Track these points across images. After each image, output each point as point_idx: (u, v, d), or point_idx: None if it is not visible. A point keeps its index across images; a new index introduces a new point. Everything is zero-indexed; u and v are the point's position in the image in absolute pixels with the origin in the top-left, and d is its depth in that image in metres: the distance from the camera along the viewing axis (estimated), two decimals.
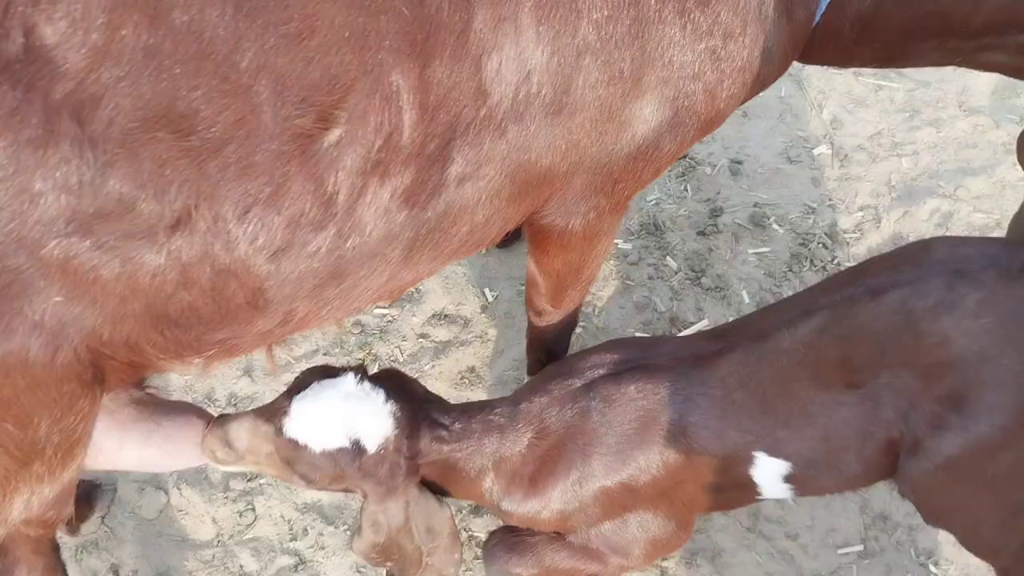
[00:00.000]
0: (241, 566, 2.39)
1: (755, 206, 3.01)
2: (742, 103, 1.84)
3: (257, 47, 1.31)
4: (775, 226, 2.96)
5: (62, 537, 2.35)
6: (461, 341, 2.75)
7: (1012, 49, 1.82)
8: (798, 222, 2.96)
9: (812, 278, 2.84)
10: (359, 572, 2.37)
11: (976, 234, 2.94)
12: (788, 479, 1.87)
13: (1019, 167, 3.06)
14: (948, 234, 2.90)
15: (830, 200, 3.02)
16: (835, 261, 2.87)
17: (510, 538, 2.07)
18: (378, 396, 1.78)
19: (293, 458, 1.72)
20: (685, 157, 3.12)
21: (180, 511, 2.46)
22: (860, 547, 2.40)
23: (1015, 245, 1.72)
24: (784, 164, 3.12)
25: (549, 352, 2.26)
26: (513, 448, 1.90)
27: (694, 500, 1.98)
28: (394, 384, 1.82)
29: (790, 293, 2.80)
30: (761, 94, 3.23)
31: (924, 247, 1.77)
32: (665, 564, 2.36)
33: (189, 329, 1.49)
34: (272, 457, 1.76)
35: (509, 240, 2.91)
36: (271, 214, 1.40)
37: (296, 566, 2.39)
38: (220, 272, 1.42)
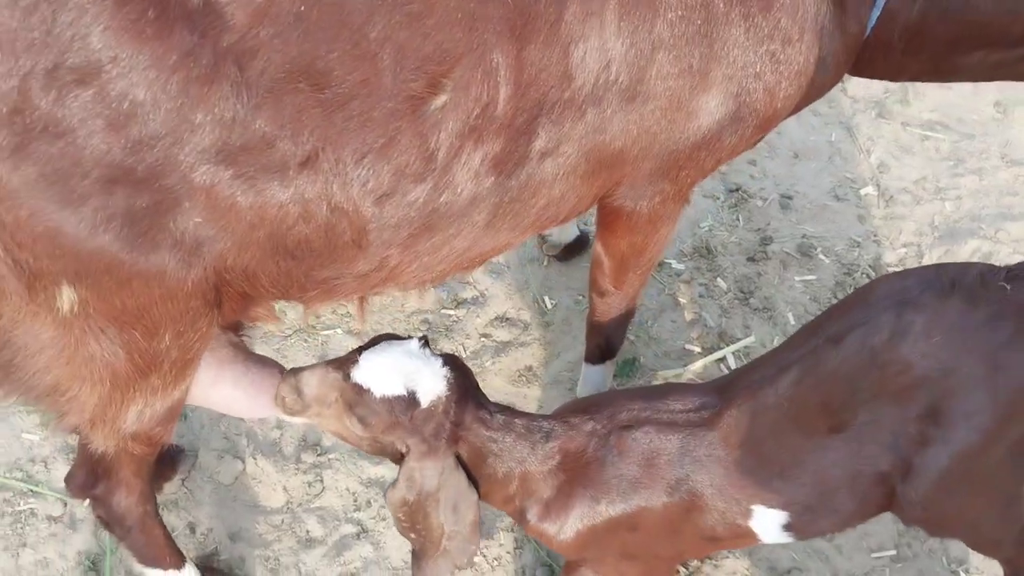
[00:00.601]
0: (308, 531, 2.56)
1: (803, 237, 3.19)
2: (798, 108, 2.04)
3: (385, 21, 1.55)
4: (821, 256, 3.13)
5: None
6: (520, 343, 2.94)
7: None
8: (843, 254, 3.13)
9: None
10: None
11: None
12: (787, 527, 2.00)
13: None
14: None
15: (875, 236, 3.19)
16: None
17: None
18: (437, 361, 1.96)
19: (355, 401, 1.90)
20: (738, 190, 3.32)
21: (254, 479, 2.65)
22: (893, 552, 2.52)
23: (943, 266, 1.88)
24: (832, 201, 3.30)
25: (607, 339, 2.44)
26: (540, 466, 2.04)
27: (692, 547, 2.13)
28: (453, 362, 1.99)
29: None
30: (812, 138, 3.44)
31: (868, 288, 1.93)
32: (704, 559, 2.50)
33: (301, 261, 1.70)
34: (335, 406, 1.93)
35: (571, 254, 3.11)
36: (381, 162, 1.62)
37: (359, 534, 2.55)
38: (334, 209, 1.64)
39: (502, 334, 2.96)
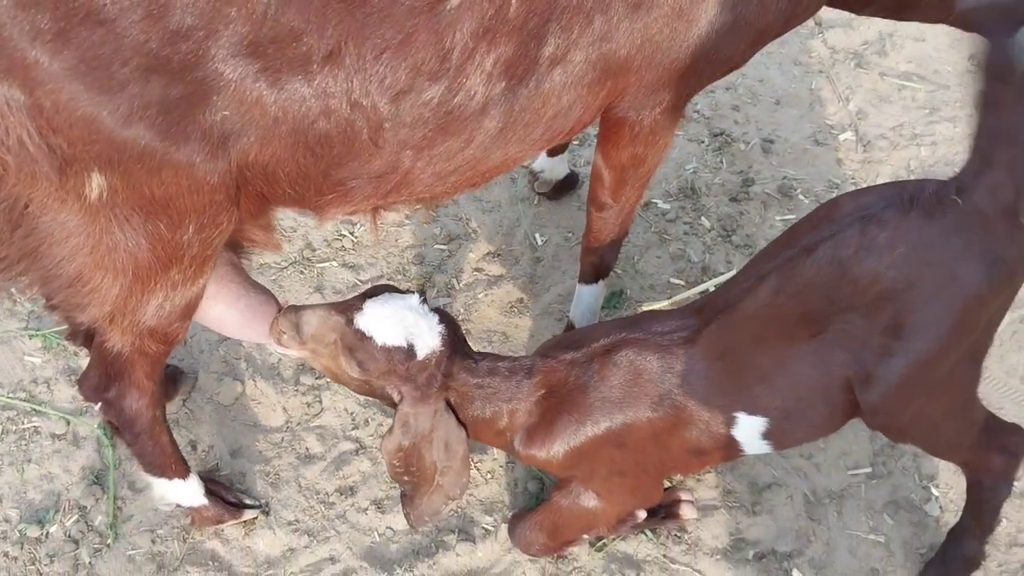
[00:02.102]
0: (307, 448, 2.64)
1: (784, 179, 3.30)
2: (788, 25, 2.14)
3: None
4: (801, 197, 3.24)
5: None
6: (512, 276, 3.03)
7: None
8: (822, 195, 3.24)
9: None
10: None
11: None
12: (766, 435, 2.12)
13: None
14: None
15: (853, 179, 3.30)
16: None
17: (523, 514, 2.42)
18: (434, 318, 2.10)
19: (357, 346, 2.02)
20: (722, 134, 3.42)
21: (253, 400, 2.73)
22: (869, 469, 2.64)
23: (901, 183, 2.00)
24: (812, 146, 3.41)
25: (601, 257, 2.53)
26: (526, 401, 2.18)
27: (679, 461, 2.24)
28: (446, 317, 2.13)
29: None
30: (793, 86, 3.54)
31: (833, 204, 2.04)
32: (689, 478, 2.60)
33: (320, 159, 1.78)
34: (333, 347, 2.05)
35: (561, 192, 3.20)
36: (399, 59, 1.70)
37: (357, 451, 2.64)
38: (354, 105, 1.72)
39: (494, 268, 3.05)
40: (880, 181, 3.30)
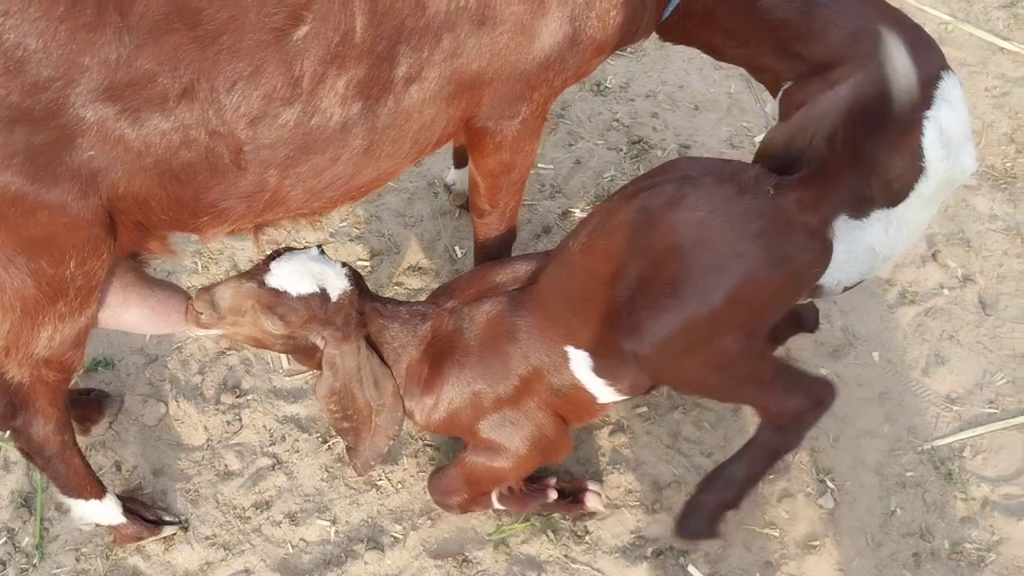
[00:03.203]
0: (226, 465, 2.75)
1: None
2: (627, 39, 2.25)
3: None
4: None
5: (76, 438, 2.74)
6: (431, 290, 3.12)
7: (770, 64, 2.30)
8: None
9: None
10: (328, 471, 2.73)
11: None
12: (597, 372, 2.25)
13: None
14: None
15: None
16: None
17: (440, 468, 2.56)
18: (337, 263, 2.28)
19: (274, 303, 2.17)
20: (640, 141, 3.51)
21: (176, 420, 2.84)
22: None
23: (730, 161, 2.13)
24: (727, 149, 3.49)
25: (491, 260, 2.63)
26: (417, 348, 2.35)
27: (549, 403, 2.36)
28: (348, 266, 2.30)
29: None
30: (712, 90, 3.62)
31: (671, 163, 2.21)
32: (592, 470, 2.70)
33: (188, 185, 1.91)
34: (252, 312, 2.19)
35: None
36: (251, 89, 1.83)
37: (273, 466, 2.75)
38: (212, 134, 1.85)
39: (414, 282, 3.15)
40: None
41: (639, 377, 2.24)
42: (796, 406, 2.20)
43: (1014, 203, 3.31)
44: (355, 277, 2.28)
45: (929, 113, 2.05)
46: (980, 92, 3.64)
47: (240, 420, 2.83)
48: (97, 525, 2.54)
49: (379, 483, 2.69)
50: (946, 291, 3.09)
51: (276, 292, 2.17)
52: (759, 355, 2.21)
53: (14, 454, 2.75)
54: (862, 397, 2.85)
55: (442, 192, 3.36)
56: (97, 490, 2.47)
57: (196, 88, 1.79)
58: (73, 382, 2.76)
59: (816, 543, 2.59)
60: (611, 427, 2.79)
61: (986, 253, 3.18)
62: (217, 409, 2.85)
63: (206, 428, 2.82)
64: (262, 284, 2.18)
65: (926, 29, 3.75)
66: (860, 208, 2.13)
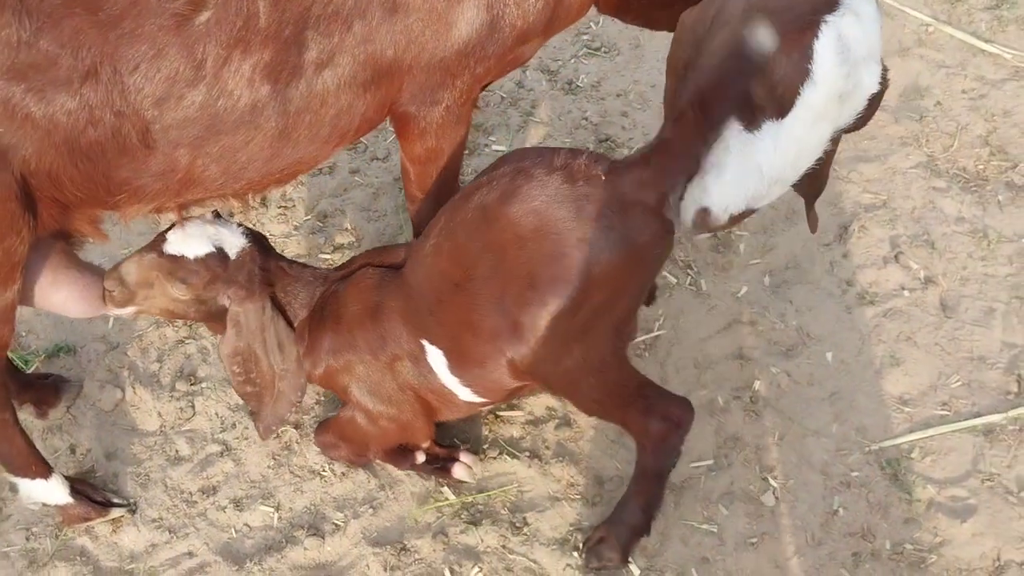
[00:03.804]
0: (177, 451, 2.80)
1: None
2: (552, 26, 2.25)
3: None
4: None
5: (33, 420, 2.80)
6: None
7: None
8: None
9: (703, 243, 3.19)
10: (275, 459, 2.77)
11: (865, 214, 3.27)
12: (453, 371, 2.29)
13: (912, 157, 3.41)
14: (835, 210, 3.23)
15: None
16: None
17: (323, 424, 2.67)
18: (232, 223, 2.35)
19: (174, 268, 2.24)
20: (607, 140, 3.52)
21: (132, 406, 2.89)
22: (711, 461, 2.72)
23: (559, 149, 2.17)
24: None
25: None
26: (308, 309, 2.44)
27: (413, 386, 2.41)
28: (250, 230, 2.37)
29: (682, 256, 3.16)
30: None
31: (503, 157, 2.23)
32: (535, 460, 2.71)
33: (97, 163, 1.97)
34: (158, 284, 2.25)
35: None
36: (153, 70, 1.89)
37: (222, 452, 2.79)
38: (117, 113, 1.91)
39: None
40: None
41: (497, 382, 2.27)
42: (656, 428, 2.29)
43: (983, 206, 3.28)
44: (256, 237, 2.36)
45: (830, 17, 1.92)
46: (957, 94, 3.61)
47: (193, 407, 2.88)
48: (44, 504, 2.59)
49: (323, 473, 2.73)
50: (906, 292, 3.07)
51: (175, 258, 2.25)
52: (625, 362, 2.25)
53: None
54: (812, 397, 2.84)
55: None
56: (42, 469, 2.52)
57: (99, 70, 1.86)
58: (34, 367, 2.85)
59: (755, 540, 2.58)
60: (558, 420, 2.81)
61: (950, 255, 3.15)
62: (172, 396, 2.90)
63: (160, 414, 2.87)
64: (161, 253, 2.26)
65: (906, 31, 3.75)
66: (751, 120, 1.99)
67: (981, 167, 3.39)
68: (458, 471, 2.63)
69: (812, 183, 2.30)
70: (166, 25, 1.87)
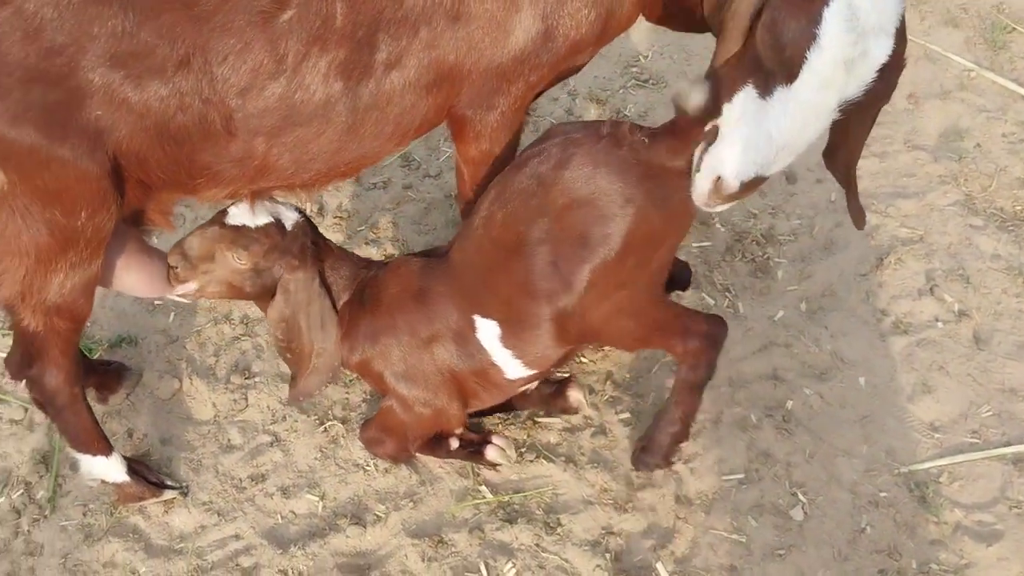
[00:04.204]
0: (229, 439, 2.93)
1: None
2: (603, 37, 2.40)
3: None
4: (718, 225, 3.43)
5: (94, 404, 2.94)
6: None
7: None
8: (738, 223, 3.42)
9: (742, 268, 3.29)
10: (321, 451, 2.89)
11: (902, 248, 3.35)
12: (505, 343, 2.44)
13: (949, 195, 3.49)
14: (872, 242, 3.32)
15: (771, 209, 3.48)
16: (765, 256, 3.32)
17: (367, 423, 2.79)
18: (288, 204, 2.54)
19: (236, 237, 2.41)
20: None
21: (188, 396, 3.04)
22: (742, 475, 2.80)
23: (603, 120, 2.37)
24: None
25: None
26: (349, 292, 2.59)
27: (454, 371, 2.55)
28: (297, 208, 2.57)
29: (720, 279, 3.26)
30: None
31: (551, 130, 2.41)
32: (570, 465, 2.81)
33: (183, 146, 2.13)
34: (218, 255, 2.43)
35: None
36: (239, 62, 2.06)
37: (272, 443, 2.92)
38: (205, 101, 2.08)
39: None
40: (798, 211, 3.47)
41: (546, 349, 2.43)
42: (694, 346, 2.48)
43: (1019, 244, 3.35)
44: (307, 219, 2.54)
45: None
46: (997, 137, 3.69)
47: (246, 399, 3.01)
48: (102, 481, 2.73)
49: (366, 467, 2.84)
50: (940, 324, 3.14)
51: (236, 228, 2.43)
52: (661, 300, 2.47)
53: (39, 415, 2.97)
54: (843, 418, 2.91)
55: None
56: (104, 447, 2.66)
57: (191, 60, 2.03)
58: (96, 356, 3.00)
59: (782, 552, 2.65)
60: (594, 429, 2.90)
61: (985, 290, 3.22)
62: (227, 388, 3.04)
63: (214, 405, 3.01)
64: (223, 225, 2.44)
65: (948, 75, 3.85)
66: (764, 86, 2.05)
67: (1019, 208, 3.47)
68: (491, 453, 2.75)
69: (844, 165, 2.42)
70: (253, 21, 2.04)
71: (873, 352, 3.07)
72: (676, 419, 2.63)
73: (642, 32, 3.97)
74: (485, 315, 2.45)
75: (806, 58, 1.98)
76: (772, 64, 2.03)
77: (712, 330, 2.53)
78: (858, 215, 2.53)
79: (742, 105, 2.09)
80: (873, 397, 2.97)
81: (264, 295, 2.52)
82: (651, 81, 3.90)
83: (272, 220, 2.45)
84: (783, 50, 2.00)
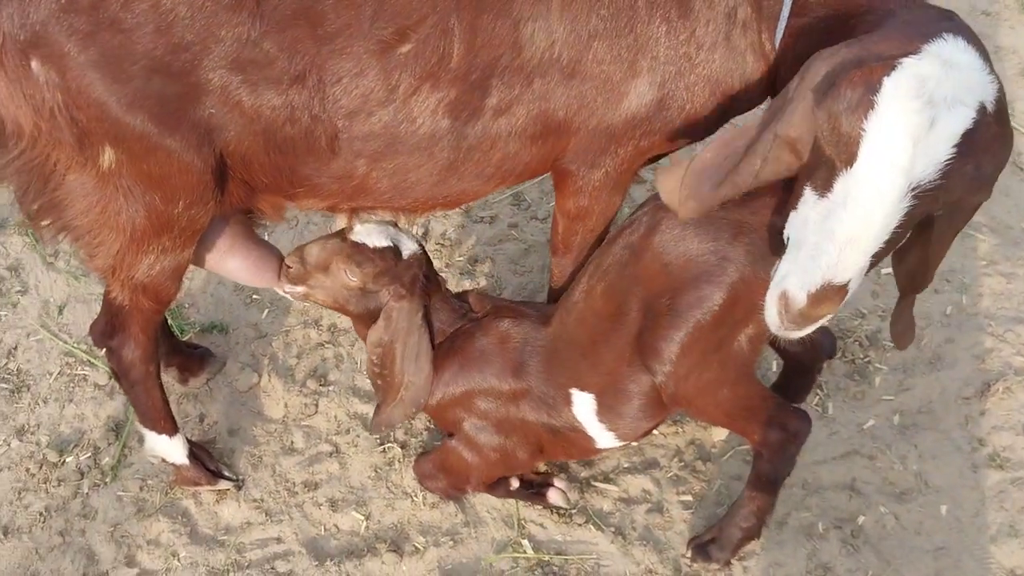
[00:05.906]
0: (292, 442, 2.97)
1: None
2: (724, 116, 2.33)
3: None
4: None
5: (173, 384, 3.03)
6: None
7: None
8: (844, 320, 3.28)
9: (840, 367, 3.15)
10: (376, 471, 2.89)
11: (1013, 377, 3.14)
12: (599, 415, 2.40)
13: None
14: (981, 365, 3.13)
15: (882, 311, 3.31)
16: (866, 359, 3.17)
17: (423, 455, 2.78)
18: (412, 235, 2.57)
19: (354, 253, 2.46)
20: None
21: (264, 392, 3.09)
22: None
23: None
24: None
25: None
26: (443, 336, 2.58)
27: (537, 434, 2.53)
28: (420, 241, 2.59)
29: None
30: None
31: (644, 202, 2.34)
32: (619, 538, 2.72)
33: (287, 156, 2.18)
34: (333, 268, 2.47)
35: None
36: (352, 86, 2.10)
37: (331, 453, 2.94)
38: (314, 117, 2.13)
39: None
40: None
41: (639, 420, 2.38)
42: (776, 438, 2.38)
43: None
44: (425, 252, 2.55)
45: (906, 60, 1.75)
46: None
47: (317, 406, 3.05)
48: (163, 460, 2.80)
49: (415, 497, 2.83)
50: None
51: (356, 245, 2.47)
52: (754, 378, 2.37)
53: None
54: (916, 546, 2.74)
55: None
56: (169, 427, 2.73)
57: (307, 77, 2.08)
58: (187, 337, 3.09)
59: None
60: (650, 505, 2.81)
61: None
62: (301, 391, 3.08)
63: (286, 405, 3.06)
64: (345, 239, 2.48)
65: None
66: (824, 180, 1.84)
67: None
68: (553, 496, 2.72)
69: (910, 269, 2.14)
70: (372, 49, 2.08)
71: (962, 481, 2.88)
72: (750, 514, 2.55)
73: None
74: (583, 388, 2.43)
75: (863, 130, 1.75)
76: (831, 149, 1.79)
77: (796, 425, 2.43)
78: (905, 330, 2.27)
79: (804, 210, 1.88)
80: (953, 529, 2.78)
81: (364, 317, 2.54)
82: None
83: (391, 245, 2.48)
84: (840, 125, 1.76)
